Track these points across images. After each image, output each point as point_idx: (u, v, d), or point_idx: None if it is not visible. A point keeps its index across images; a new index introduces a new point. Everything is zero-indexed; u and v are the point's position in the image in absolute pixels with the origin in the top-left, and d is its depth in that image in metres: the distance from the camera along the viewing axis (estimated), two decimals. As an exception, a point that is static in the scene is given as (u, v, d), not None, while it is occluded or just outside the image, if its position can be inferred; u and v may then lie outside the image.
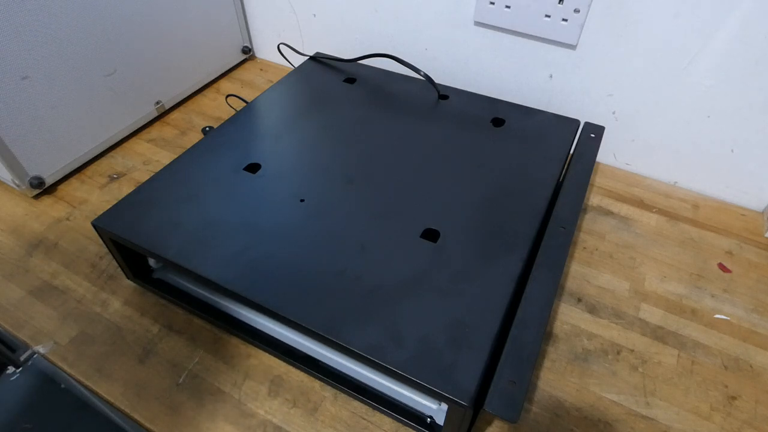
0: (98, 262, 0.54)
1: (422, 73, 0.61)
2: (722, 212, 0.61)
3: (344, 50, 0.77)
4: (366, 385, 0.43)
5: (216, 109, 0.75)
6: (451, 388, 0.33)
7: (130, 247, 0.44)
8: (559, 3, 0.57)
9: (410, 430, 0.41)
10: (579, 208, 0.46)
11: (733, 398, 0.44)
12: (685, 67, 0.56)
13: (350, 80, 0.63)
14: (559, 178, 0.50)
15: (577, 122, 0.57)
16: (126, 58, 0.65)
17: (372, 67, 0.66)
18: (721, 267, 0.55)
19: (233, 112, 0.68)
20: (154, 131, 0.71)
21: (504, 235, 0.44)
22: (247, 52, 0.85)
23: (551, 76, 0.64)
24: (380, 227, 0.44)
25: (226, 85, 0.80)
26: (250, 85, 0.80)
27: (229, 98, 0.77)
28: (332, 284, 0.40)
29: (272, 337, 0.46)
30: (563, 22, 0.58)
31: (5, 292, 0.51)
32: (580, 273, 0.54)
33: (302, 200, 0.47)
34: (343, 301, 0.39)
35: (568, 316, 0.50)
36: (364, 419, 0.42)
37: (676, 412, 0.43)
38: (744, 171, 0.60)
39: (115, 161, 0.66)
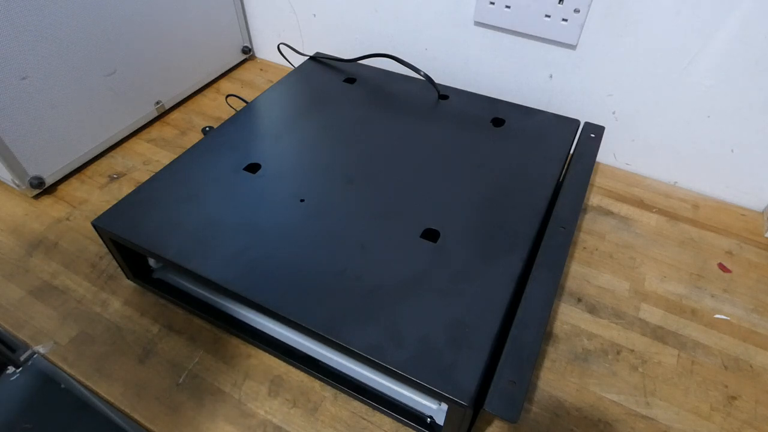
0: (98, 262, 0.54)
1: (422, 73, 0.61)
2: (722, 212, 0.61)
3: (344, 50, 0.77)
4: (366, 385, 0.43)
5: (216, 109, 0.75)
6: (451, 388, 0.33)
7: (130, 247, 0.44)
8: (559, 3, 0.57)
9: (410, 430, 0.41)
10: (579, 208, 0.46)
11: (733, 398, 0.44)
12: (685, 67, 0.56)
13: (350, 80, 0.63)
14: (559, 178, 0.50)
15: (577, 122, 0.57)
16: (126, 58, 0.65)
17: (372, 67, 0.66)
18: (721, 267, 0.55)
19: (233, 112, 0.68)
20: (154, 131, 0.71)
21: (504, 235, 0.44)
22: (247, 52, 0.85)
23: (551, 76, 0.64)
24: (380, 227, 0.44)
25: (226, 85, 0.80)
26: (250, 85, 0.80)
27: (229, 98, 0.77)
28: (332, 284, 0.40)
29: (272, 337, 0.46)
30: (563, 22, 0.58)
31: (5, 292, 0.51)
32: (580, 273, 0.54)
33: (302, 200, 0.47)
34: (343, 301, 0.39)
35: (568, 316, 0.50)
36: (364, 419, 0.42)
37: (676, 412, 0.43)
38: (744, 171, 0.60)
39: (115, 161, 0.66)
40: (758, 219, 0.60)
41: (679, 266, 0.55)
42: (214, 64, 0.79)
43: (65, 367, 0.45)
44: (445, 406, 0.39)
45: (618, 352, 0.47)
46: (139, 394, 0.43)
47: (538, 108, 0.60)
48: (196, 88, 0.77)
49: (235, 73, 0.83)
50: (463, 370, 0.34)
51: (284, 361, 0.45)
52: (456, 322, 0.37)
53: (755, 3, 0.49)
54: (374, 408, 0.42)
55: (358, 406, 0.43)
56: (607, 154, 0.68)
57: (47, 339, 0.47)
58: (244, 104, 0.67)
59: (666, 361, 0.46)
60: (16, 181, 0.58)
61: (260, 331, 0.46)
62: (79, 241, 0.56)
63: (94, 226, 0.45)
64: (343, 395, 0.43)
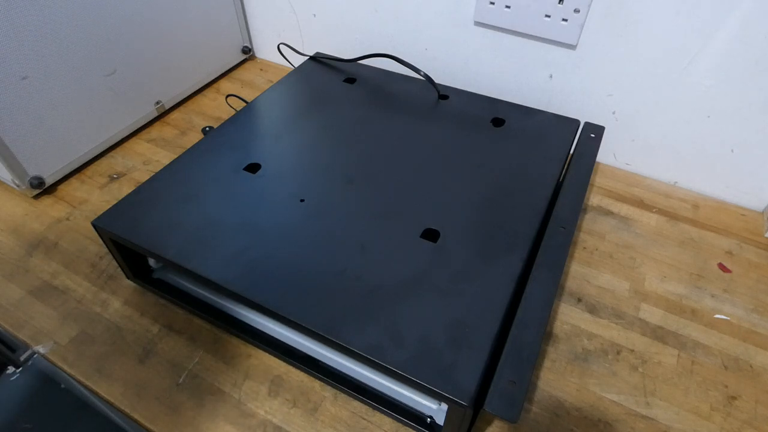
0: (98, 262, 0.54)
1: (422, 73, 0.61)
2: (722, 212, 0.61)
3: (344, 50, 0.77)
4: (366, 385, 0.43)
5: (216, 109, 0.75)
6: (451, 388, 0.33)
7: (130, 247, 0.44)
8: (559, 3, 0.57)
9: (410, 430, 0.41)
10: (579, 208, 0.46)
11: (733, 398, 0.44)
12: (685, 67, 0.56)
13: (350, 80, 0.63)
14: (559, 178, 0.50)
15: (577, 122, 0.57)
16: (126, 58, 0.65)
17: (372, 67, 0.66)
18: (721, 267, 0.55)
19: (233, 112, 0.68)
20: (154, 131, 0.71)
21: (504, 235, 0.44)
22: (247, 52, 0.85)
23: (551, 76, 0.64)
24: (380, 227, 0.44)
25: (226, 85, 0.80)
26: (250, 85, 0.80)
27: (229, 98, 0.77)
28: (332, 284, 0.40)
29: (272, 337, 0.46)
30: (563, 22, 0.58)
31: (5, 292, 0.51)
32: (580, 273, 0.54)
33: (302, 200, 0.47)
34: (343, 301, 0.39)
35: (568, 316, 0.50)
36: (364, 419, 0.42)
37: (676, 412, 0.43)
38: (744, 171, 0.60)
39: (115, 161, 0.66)
40: (758, 219, 0.60)
41: (679, 266, 0.55)
42: (214, 64, 0.79)
43: (65, 367, 0.45)
44: (445, 406, 0.39)
45: (618, 352, 0.47)
46: (139, 394, 0.43)
47: (538, 108, 0.60)
48: (196, 88, 0.77)
49: (235, 73, 0.83)
50: (463, 370, 0.34)
51: (284, 361, 0.45)
52: (456, 322, 0.37)
53: (755, 3, 0.49)
54: (374, 408, 0.42)
55: (358, 406, 0.43)
56: (607, 154, 0.68)
57: (47, 339, 0.47)
58: (244, 104, 0.67)
59: (666, 361, 0.46)
60: (16, 181, 0.58)
61: (260, 331, 0.46)
62: (79, 241, 0.56)
63: (94, 226, 0.45)
64: (343, 395, 0.43)
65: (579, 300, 0.51)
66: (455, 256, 0.42)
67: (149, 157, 0.66)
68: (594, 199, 0.62)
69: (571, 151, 0.56)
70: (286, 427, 0.41)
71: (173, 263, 0.42)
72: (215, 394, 0.43)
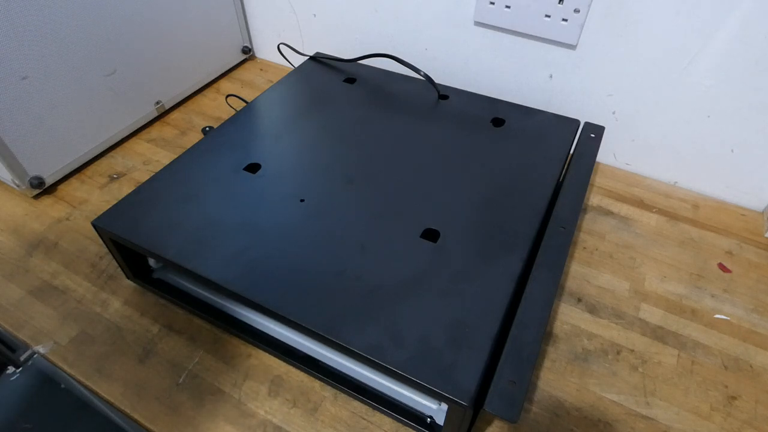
0: (98, 262, 0.54)
1: (422, 73, 0.61)
2: (722, 212, 0.61)
3: (344, 50, 0.77)
4: (366, 385, 0.43)
5: (216, 109, 0.75)
6: (451, 388, 0.33)
7: (130, 247, 0.44)
8: (559, 3, 0.57)
9: (410, 430, 0.41)
10: (579, 208, 0.46)
11: (733, 398, 0.44)
12: (685, 67, 0.56)
13: (350, 80, 0.63)
14: (559, 178, 0.50)
15: (577, 122, 0.57)
16: (126, 58, 0.65)
17: (372, 67, 0.66)
18: (721, 267, 0.55)
19: (233, 112, 0.68)
20: (154, 131, 0.71)
21: (504, 235, 0.44)
22: (247, 52, 0.85)
23: (551, 76, 0.64)
24: (380, 227, 0.44)
25: (226, 85, 0.80)
26: (250, 85, 0.80)
27: (229, 98, 0.77)
28: (332, 284, 0.40)
29: (272, 337, 0.46)
30: (563, 22, 0.58)
31: (5, 292, 0.51)
32: (580, 273, 0.54)
33: (302, 200, 0.47)
34: (343, 301, 0.39)
35: (568, 316, 0.50)
36: (364, 419, 0.42)
37: (676, 412, 0.43)
38: (744, 171, 0.60)
39: (115, 161, 0.66)
40: (758, 219, 0.60)
41: (679, 266, 0.55)
42: (214, 64, 0.79)
43: (65, 367, 0.45)
44: (445, 406, 0.39)
45: (618, 352, 0.47)
46: (139, 394, 0.43)
47: (538, 108, 0.60)
48: (196, 88, 0.77)
49: (235, 73, 0.83)
50: (463, 370, 0.34)
51: (284, 361, 0.45)
52: (456, 322, 0.37)
53: (755, 3, 0.49)
54: (374, 408, 0.42)
55: (358, 406, 0.43)
56: (607, 154, 0.68)
57: (47, 339, 0.47)
58: (244, 104, 0.67)
59: (666, 361, 0.46)
60: (16, 181, 0.58)
61: (260, 331, 0.46)
62: (79, 241, 0.56)
63: (94, 226, 0.45)
64: (343, 395, 0.43)
65: (579, 300, 0.51)
66: (455, 256, 0.42)
67: (149, 157, 0.66)
68: (594, 199, 0.62)
69: (571, 151, 0.56)
70: (286, 427, 0.41)
71: (173, 263, 0.42)
72: (215, 394, 0.43)
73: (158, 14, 0.67)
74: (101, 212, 0.48)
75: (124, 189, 0.62)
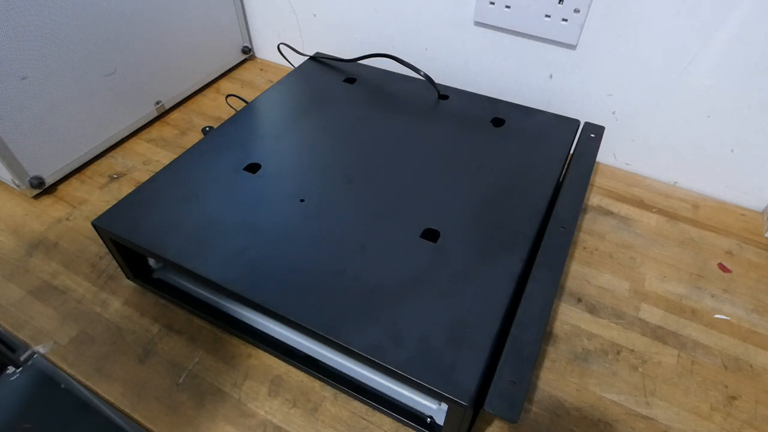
0: (98, 262, 0.54)
1: (422, 73, 0.61)
2: (722, 212, 0.61)
3: (344, 50, 0.77)
4: (366, 385, 0.43)
5: (216, 109, 0.75)
6: (451, 388, 0.33)
7: (130, 247, 0.44)
8: (559, 3, 0.57)
9: (410, 430, 0.41)
10: (579, 208, 0.46)
11: (733, 398, 0.44)
12: (685, 67, 0.56)
13: (350, 80, 0.63)
14: (559, 178, 0.50)
15: (577, 122, 0.57)
16: (126, 58, 0.65)
17: (372, 67, 0.66)
18: (721, 267, 0.55)
19: (233, 112, 0.68)
20: (154, 131, 0.71)
21: (504, 235, 0.44)
22: (247, 52, 0.85)
23: (551, 76, 0.64)
24: (380, 227, 0.44)
25: (226, 85, 0.80)
26: (250, 85, 0.80)
27: (229, 98, 0.77)
28: (332, 284, 0.40)
29: (272, 337, 0.46)
30: (563, 22, 0.58)
31: (5, 292, 0.51)
32: (580, 273, 0.54)
33: (302, 200, 0.47)
34: (343, 301, 0.39)
35: (568, 316, 0.50)
36: (364, 419, 0.42)
37: (676, 412, 0.43)
38: (744, 171, 0.60)
39: (115, 161, 0.66)
40: (758, 219, 0.60)
41: (679, 266, 0.55)
42: (214, 64, 0.79)
43: (65, 367, 0.45)
44: (445, 406, 0.39)
45: (618, 352, 0.47)
46: (139, 394, 0.43)
47: (538, 108, 0.60)
48: (196, 88, 0.77)
49: (235, 73, 0.83)
50: (463, 370, 0.34)
51: (284, 361, 0.45)
52: (456, 322, 0.37)
53: (755, 3, 0.49)
54: (374, 408, 0.42)
55: (358, 406, 0.43)
56: (607, 154, 0.68)
57: (47, 339, 0.47)
58: (244, 104, 0.67)
59: (666, 361, 0.46)
60: (16, 181, 0.58)
61: (260, 331, 0.46)
62: (79, 241, 0.56)
63: (94, 226, 0.45)
64: (343, 395, 0.43)
65: (579, 300, 0.51)
66: (455, 256, 0.42)
67: (149, 157, 0.66)
68: (594, 199, 0.62)
69: (571, 151, 0.56)
70: (286, 427, 0.41)
71: (173, 263, 0.42)
72: (215, 394, 0.43)
73: (158, 14, 0.67)
74: (101, 212, 0.48)
75: (124, 189, 0.62)
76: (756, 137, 0.57)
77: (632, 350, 0.47)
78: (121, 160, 0.66)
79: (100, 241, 0.55)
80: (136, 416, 0.42)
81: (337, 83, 0.62)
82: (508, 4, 0.59)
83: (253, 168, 0.50)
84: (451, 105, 0.59)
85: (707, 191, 0.64)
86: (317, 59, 0.67)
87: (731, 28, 0.52)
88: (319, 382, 0.44)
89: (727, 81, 0.55)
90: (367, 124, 0.56)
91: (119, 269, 0.53)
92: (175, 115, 0.74)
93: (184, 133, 0.70)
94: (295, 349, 0.45)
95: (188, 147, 0.60)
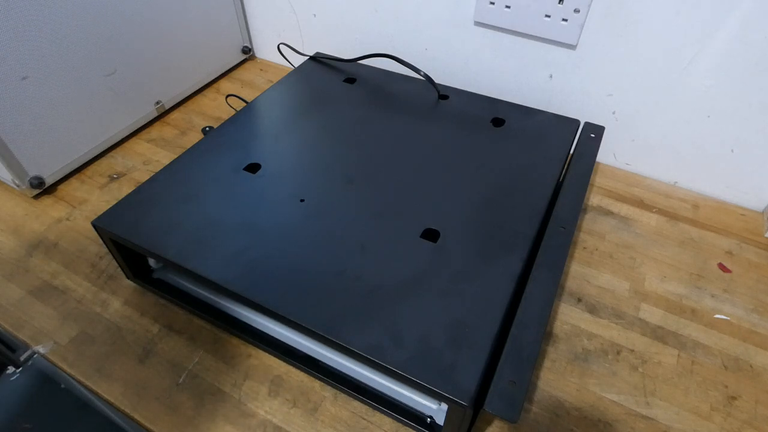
0: (98, 262, 0.54)
1: (422, 73, 0.61)
2: (722, 212, 0.61)
3: (344, 50, 0.77)
4: (366, 385, 0.43)
5: (216, 109, 0.75)
6: (451, 388, 0.33)
7: (130, 247, 0.44)
8: (559, 3, 0.57)
9: (410, 430, 0.41)
10: (579, 208, 0.46)
11: (733, 398, 0.44)
12: (685, 67, 0.56)
13: (350, 80, 0.63)
14: (559, 178, 0.50)
15: (577, 122, 0.57)
16: (126, 58, 0.65)
17: (372, 67, 0.66)
18: (721, 267, 0.55)
19: (233, 112, 0.68)
20: (154, 131, 0.71)
21: (504, 235, 0.44)
22: (247, 52, 0.85)
23: (551, 76, 0.64)
24: (380, 227, 0.44)
25: (226, 85, 0.80)
26: (250, 85, 0.80)
27: (229, 98, 0.77)
28: (332, 284, 0.40)
29: (272, 337, 0.46)
30: (563, 22, 0.58)
31: (5, 292, 0.51)
32: (580, 273, 0.54)
33: (302, 200, 0.47)
34: (343, 301, 0.39)
35: (568, 316, 0.50)
36: (364, 419, 0.42)
37: (676, 412, 0.43)
38: (744, 171, 0.60)
39: (115, 161, 0.66)
40: (758, 219, 0.60)
41: (679, 266, 0.55)
42: (214, 64, 0.79)
43: (65, 367, 0.45)
44: (445, 406, 0.39)
45: (618, 352, 0.47)
46: (139, 394, 0.43)
47: (538, 108, 0.60)
48: (196, 88, 0.77)
49: (235, 73, 0.83)
50: (463, 370, 0.34)
51: (284, 361, 0.45)
52: (456, 322, 0.37)
53: (755, 3, 0.49)
54: (374, 408, 0.42)
55: (358, 406, 0.43)
56: (607, 154, 0.68)
57: (47, 339, 0.47)
58: (244, 104, 0.67)
59: (666, 361, 0.46)
60: (16, 181, 0.58)
61: (260, 331, 0.46)
62: (79, 241, 0.56)
63: (94, 226, 0.45)
64: (343, 395, 0.43)
65: (579, 300, 0.51)
66: (455, 256, 0.42)
67: (149, 157, 0.66)
68: (594, 199, 0.62)
69: (571, 151, 0.56)
70: (286, 427, 0.41)
71: (173, 263, 0.42)
72: (215, 394, 0.43)
73: (158, 14, 0.67)
74: (101, 212, 0.48)
75: (124, 189, 0.62)
76: (756, 137, 0.57)
77: (632, 350, 0.47)
78: (121, 160, 0.66)
79: (100, 241, 0.55)
80: (136, 416, 0.42)
81: (337, 83, 0.62)
82: (508, 4, 0.59)
83: (253, 168, 0.50)
84: (451, 105, 0.59)
85: (707, 191, 0.64)
86: (317, 59, 0.67)
87: (731, 28, 0.52)
88: (319, 382, 0.44)
89: (727, 81, 0.55)
90: (367, 124, 0.56)
91: (119, 269, 0.53)
92: (175, 115, 0.74)
93: (184, 133, 0.70)
94: (295, 349, 0.45)
95: (188, 147, 0.60)
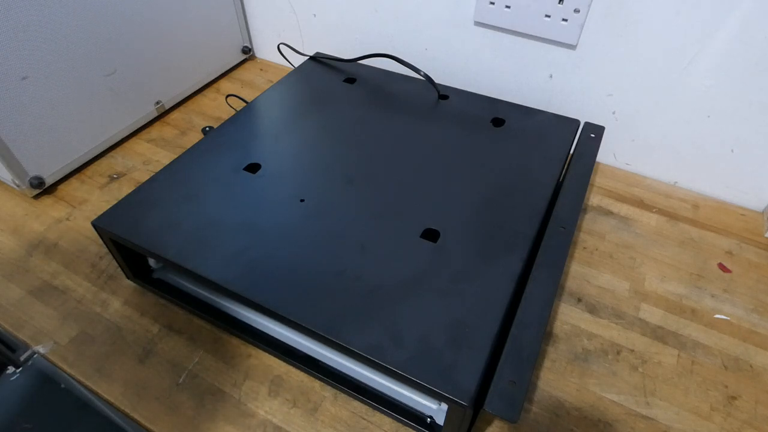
0: (98, 262, 0.54)
1: (422, 73, 0.61)
2: (722, 212, 0.61)
3: (344, 50, 0.77)
4: (366, 385, 0.43)
5: (216, 109, 0.75)
6: (451, 388, 0.33)
7: (130, 247, 0.44)
8: (559, 3, 0.57)
9: (410, 430, 0.41)
10: (579, 208, 0.46)
11: (733, 398, 0.44)
12: (685, 67, 0.56)
13: (350, 80, 0.63)
14: (559, 178, 0.50)
15: (577, 122, 0.57)
16: (126, 58, 0.65)
17: (372, 67, 0.66)
18: (721, 267, 0.55)
19: (233, 112, 0.68)
20: (154, 131, 0.71)
21: (504, 235, 0.44)
22: (247, 52, 0.85)
23: (551, 76, 0.64)
24: (380, 227, 0.44)
25: (226, 85, 0.80)
26: (250, 85, 0.80)
27: (229, 98, 0.77)
28: (332, 284, 0.40)
29: (272, 337, 0.46)
30: (563, 22, 0.58)
31: (5, 292, 0.51)
32: (580, 273, 0.54)
33: (302, 200, 0.47)
34: (343, 301, 0.39)
35: (568, 316, 0.50)
36: (364, 419, 0.42)
37: (676, 412, 0.43)
38: (744, 171, 0.60)
39: (115, 161, 0.66)
40: (758, 219, 0.60)
41: (679, 266, 0.55)
42: (214, 64, 0.79)
43: (65, 367, 0.45)
44: (445, 406, 0.39)
45: (618, 352, 0.47)
46: (139, 394, 0.43)
47: (538, 108, 0.60)
48: (196, 88, 0.77)
49: (235, 73, 0.83)
50: (463, 370, 0.34)
51: (284, 361, 0.45)
52: (456, 322, 0.37)
53: (755, 3, 0.49)
54: (374, 408, 0.42)
55: (358, 406, 0.43)
56: (607, 154, 0.68)
57: (47, 339, 0.47)
58: (244, 104, 0.67)
59: (666, 361, 0.46)
60: (16, 181, 0.58)
61: (260, 331, 0.46)
62: (79, 241, 0.56)
63: (94, 226, 0.45)
64: (343, 395, 0.43)
65: (579, 300, 0.51)
66: (455, 256, 0.42)
67: (149, 157, 0.66)
68: (594, 199, 0.62)
69: (571, 151, 0.56)
70: (286, 427, 0.41)
71: (173, 263, 0.42)
72: (215, 394, 0.43)
73: (158, 14, 0.67)
74: (101, 212, 0.48)
75: (124, 189, 0.62)
76: (756, 137, 0.57)
77: (632, 350, 0.47)
78: (121, 160, 0.66)
79: (100, 241, 0.55)
80: (136, 416, 0.42)
81: (337, 83, 0.62)
82: (508, 4, 0.59)
83: (253, 168, 0.50)
84: (451, 105, 0.59)
85: (707, 191, 0.64)
86: (317, 59, 0.67)
87: (731, 28, 0.52)
88: (319, 382, 0.44)
89: (727, 81, 0.55)
90: (367, 124, 0.56)
91: (119, 269, 0.53)
92: (175, 115, 0.74)
93: (184, 133, 0.70)
94: (295, 349, 0.45)
95: (188, 147, 0.60)
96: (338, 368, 0.44)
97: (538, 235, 0.44)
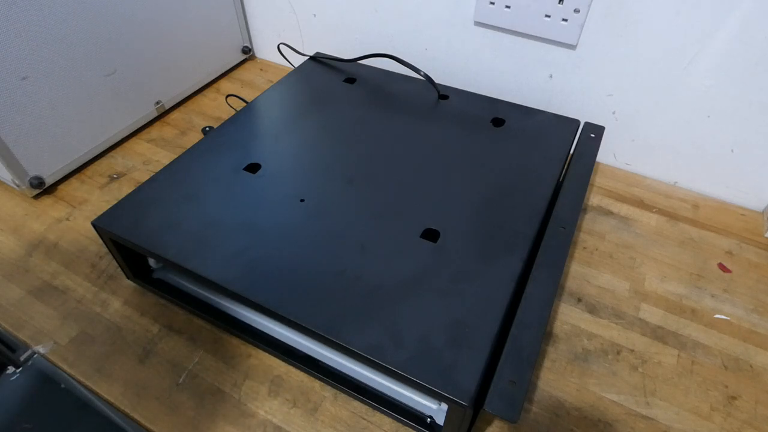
0: (98, 262, 0.54)
1: (422, 73, 0.61)
2: (722, 212, 0.61)
3: (344, 50, 0.77)
4: (366, 385, 0.43)
5: (216, 109, 0.75)
6: (451, 388, 0.33)
7: (130, 247, 0.44)
8: (559, 3, 0.57)
9: (410, 430, 0.41)
10: (579, 208, 0.46)
11: (733, 398, 0.44)
12: (685, 67, 0.56)
13: (350, 80, 0.63)
14: (559, 178, 0.50)
15: (577, 122, 0.57)
16: (126, 58, 0.65)
17: (372, 67, 0.66)
18: (721, 267, 0.55)
19: (233, 112, 0.68)
20: (154, 131, 0.71)
21: (504, 235, 0.44)
22: (247, 52, 0.85)
23: (551, 76, 0.64)
24: (380, 227, 0.44)
25: (226, 85, 0.80)
26: (250, 85, 0.80)
27: (229, 98, 0.77)
28: (332, 284, 0.40)
29: (272, 337, 0.46)
30: (563, 22, 0.58)
31: (5, 292, 0.51)
32: (580, 273, 0.54)
33: (302, 200, 0.47)
34: (343, 301, 0.39)
35: (568, 316, 0.50)
36: (364, 419, 0.42)
37: (676, 412, 0.43)
38: (744, 171, 0.60)
39: (115, 161, 0.66)
40: (758, 219, 0.60)
41: (679, 266, 0.55)
42: (214, 64, 0.79)
43: (65, 367, 0.45)
44: (445, 406, 0.39)
45: (618, 352, 0.47)
46: (139, 394, 0.43)
47: (538, 108, 0.60)
48: (196, 88, 0.77)
49: (235, 73, 0.83)
50: (463, 370, 0.34)
51: (284, 361, 0.45)
52: (456, 322, 0.37)
53: (755, 3, 0.49)
54: (374, 408, 0.42)
55: (358, 406, 0.43)
56: (607, 154, 0.68)
57: (47, 339, 0.47)
58: (244, 104, 0.67)
59: (666, 361, 0.46)
60: (16, 181, 0.58)
61: (260, 331, 0.46)
62: (79, 241, 0.56)
63: (94, 226, 0.45)
64: (343, 395, 0.43)
65: (579, 300, 0.51)
66: (455, 256, 0.42)
67: (149, 157, 0.66)
68: (594, 199, 0.62)
69: (571, 151, 0.56)
70: (286, 427, 0.41)
71: (173, 263, 0.42)
72: (215, 394, 0.43)
73: (158, 14, 0.67)
74: (101, 212, 0.48)
75: (124, 189, 0.62)
76: (756, 137, 0.57)
77: (632, 350, 0.47)
78: (121, 160, 0.66)
79: (100, 241, 0.55)
80: (136, 416, 0.42)
81: (337, 83, 0.62)
82: (508, 4, 0.59)
83: (253, 168, 0.50)
84: (451, 105, 0.59)
85: (707, 191, 0.64)
86: (317, 59, 0.67)
87: (731, 28, 0.52)
88: (319, 382, 0.44)
89: (727, 81, 0.55)
90: (367, 124, 0.56)
91: (119, 269, 0.53)
92: (175, 115, 0.74)
93: (184, 133, 0.70)
94: (295, 349, 0.45)
95: (188, 147, 0.60)
96: (338, 368, 0.44)
97: (538, 235, 0.44)
